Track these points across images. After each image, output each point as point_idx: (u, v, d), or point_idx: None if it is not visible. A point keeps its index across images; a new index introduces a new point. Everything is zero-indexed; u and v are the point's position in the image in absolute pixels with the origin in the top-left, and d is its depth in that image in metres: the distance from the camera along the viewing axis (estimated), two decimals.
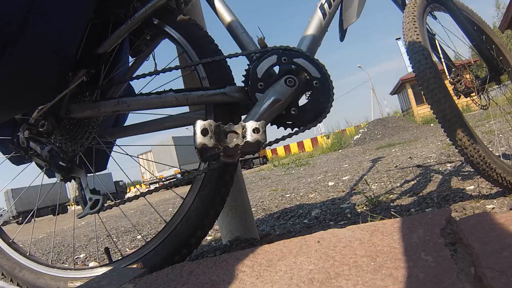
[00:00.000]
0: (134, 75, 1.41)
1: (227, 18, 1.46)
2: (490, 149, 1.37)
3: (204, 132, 1.06)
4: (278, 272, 0.84)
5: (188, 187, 1.32)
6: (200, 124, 1.07)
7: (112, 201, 1.32)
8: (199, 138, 1.06)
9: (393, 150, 6.01)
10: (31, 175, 1.51)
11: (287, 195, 3.46)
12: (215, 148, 1.08)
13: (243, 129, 1.09)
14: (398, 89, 28.62)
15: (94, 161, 1.51)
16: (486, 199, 1.54)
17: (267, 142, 1.13)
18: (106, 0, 1.37)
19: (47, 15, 1.10)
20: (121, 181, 28.92)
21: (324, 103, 1.27)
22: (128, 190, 28.41)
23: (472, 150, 1.31)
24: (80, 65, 1.30)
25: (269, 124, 1.28)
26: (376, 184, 2.90)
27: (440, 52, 1.89)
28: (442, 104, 1.31)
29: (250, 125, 1.09)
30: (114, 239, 3.12)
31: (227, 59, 1.35)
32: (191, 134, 1.10)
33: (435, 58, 1.80)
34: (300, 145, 31.59)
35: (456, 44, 1.92)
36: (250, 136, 1.08)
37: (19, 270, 1.38)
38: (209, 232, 1.64)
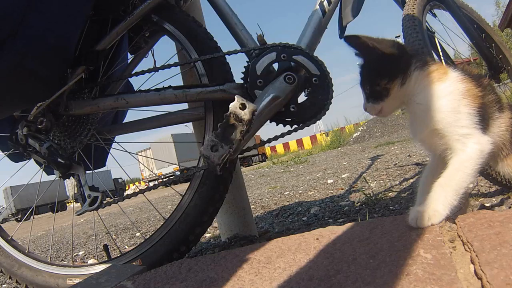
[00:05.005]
0: (133, 72, 1.40)
1: (226, 15, 1.45)
2: None
3: (215, 148, 1.09)
4: (277, 269, 0.84)
5: (187, 184, 1.32)
6: (206, 146, 1.10)
7: (111, 198, 1.32)
8: (215, 156, 1.09)
9: (392, 148, 6.01)
10: (30, 172, 1.51)
11: (286, 193, 3.46)
12: (230, 151, 1.11)
13: (233, 116, 1.10)
14: None
15: (93, 158, 1.51)
16: (485, 197, 1.54)
17: (257, 108, 1.15)
18: None
19: (46, 11, 1.10)
20: (120, 178, 28.93)
21: (323, 100, 1.27)
22: (127, 188, 28.42)
23: None
24: (79, 62, 1.30)
25: (268, 121, 1.28)
26: (375, 182, 2.90)
27: (439, 50, 1.89)
28: None
29: (234, 106, 1.10)
30: (113, 236, 3.12)
31: (226, 56, 1.35)
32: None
33: (434, 56, 1.80)
34: (299, 142, 31.58)
35: (455, 42, 1.92)
36: (245, 115, 1.09)
37: (18, 267, 1.38)
38: (208, 229, 1.64)
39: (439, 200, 0.84)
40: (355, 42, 0.92)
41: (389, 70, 0.91)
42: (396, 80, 0.90)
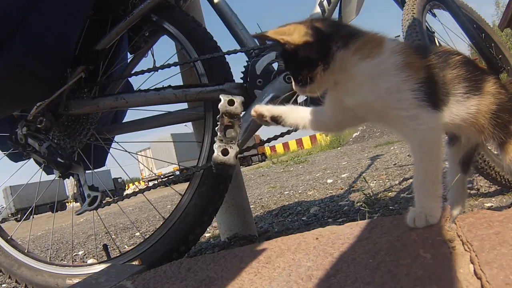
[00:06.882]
0: (133, 72, 1.40)
1: (226, 14, 1.45)
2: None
3: (224, 151, 1.10)
4: (277, 268, 0.84)
5: (187, 184, 1.32)
6: (217, 153, 1.11)
7: (111, 198, 1.32)
8: (230, 159, 1.10)
9: (392, 148, 6.01)
10: (29, 172, 1.51)
11: (286, 192, 3.46)
12: (237, 149, 1.13)
13: (227, 115, 1.12)
14: None
15: (93, 158, 1.51)
16: (484, 197, 1.54)
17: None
18: None
19: (46, 11, 1.10)
20: (120, 178, 28.88)
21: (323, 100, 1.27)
22: (126, 187, 28.38)
23: None
24: (78, 62, 1.30)
25: None
26: (375, 181, 2.90)
27: None
28: None
29: (224, 106, 1.11)
30: (113, 236, 3.12)
31: (226, 56, 1.35)
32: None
33: None
34: (299, 142, 31.56)
35: (455, 42, 1.92)
36: (236, 109, 1.11)
37: (17, 267, 1.38)
38: (208, 229, 1.64)
39: (429, 200, 0.82)
40: (266, 39, 0.84)
41: (307, 60, 0.82)
42: (317, 68, 0.81)
